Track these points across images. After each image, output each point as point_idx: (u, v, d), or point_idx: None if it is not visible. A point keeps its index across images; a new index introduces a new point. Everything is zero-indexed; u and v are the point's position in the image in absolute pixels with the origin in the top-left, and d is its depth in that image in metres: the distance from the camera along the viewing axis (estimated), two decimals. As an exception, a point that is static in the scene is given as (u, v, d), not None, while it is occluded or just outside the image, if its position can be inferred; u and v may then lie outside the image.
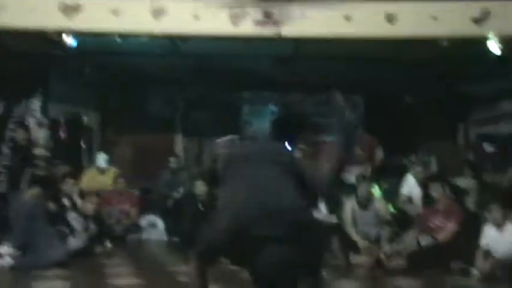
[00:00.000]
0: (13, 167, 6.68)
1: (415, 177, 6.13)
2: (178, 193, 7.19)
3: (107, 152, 7.94)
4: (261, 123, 10.16)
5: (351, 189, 6.56)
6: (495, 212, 4.72)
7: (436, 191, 5.48)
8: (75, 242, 5.12)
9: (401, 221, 5.67)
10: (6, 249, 4.71)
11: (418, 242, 5.10)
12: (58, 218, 5.29)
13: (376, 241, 5.44)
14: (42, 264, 4.61)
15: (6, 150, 6.92)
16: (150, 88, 9.61)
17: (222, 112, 10.10)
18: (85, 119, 8.59)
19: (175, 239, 6.47)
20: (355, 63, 7.92)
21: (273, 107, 10.30)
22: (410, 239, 5.18)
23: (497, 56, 5.40)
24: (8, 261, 4.64)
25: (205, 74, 8.81)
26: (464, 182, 6.34)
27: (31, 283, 4.09)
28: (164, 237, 6.86)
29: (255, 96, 10.31)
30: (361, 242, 5.42)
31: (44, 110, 7.95)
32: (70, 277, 4.37)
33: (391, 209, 5.98)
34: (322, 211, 6.39)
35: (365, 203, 5.73)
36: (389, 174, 7.25)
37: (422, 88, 8.87)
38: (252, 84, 9.60)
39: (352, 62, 7.72)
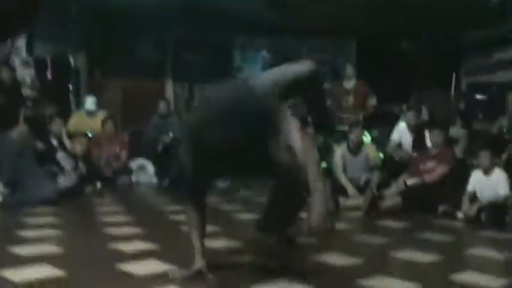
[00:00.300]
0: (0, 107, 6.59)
1: (407, 124, 6.15)
2: (168, 137, 7.15)
3: (95, 95, 7.83)
4: (253, 70, 10.06)
5: (342, 135, 6.59)
6: (483, 157, 4.77)
7: (431, 136, 5.48)
8: (64, 181, 5.12)
9: (391, 167, 5.72)
10: (-5, 186, 4.70)
11: (406, 184, 5.16)
12: (47, 157, 5.26)
13: (365, 186, 5.49)
14: (32, 201, 4.61)
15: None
16: (140, 30, 9.41)
17: (213, 57, 9.97)
18: (72, 60, 8.42)
19: (165, 182, 6.49)
20: (348, 7, 7.79)
21: (265, 54, 10.19)
22: (399, 184, 5.23)
23: (493, 2, 5.31)
24: (-3, 198, 4.64)
25: (197, 17, 8.62)
26: (454, 131, 6.37)
27: (22, 219, 4.09)
28: (154, 180, 6.88)
29: (247, 41, 10.16)
30: (350, 188, 5.47)
31: (30, 50, 7.79)
32: (61, 214, 4.38)
33: (381, 155, 6.02)
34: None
35: (355, 149, 5.76)
36: (380, 122, 7.28)
37: (415, 34, 8.78)
38: (244, 29, 9.44)
39: (345, 5, 7.58)
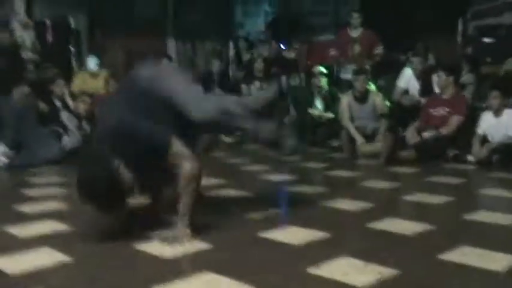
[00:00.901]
0: (1, 70, 6.51)
1: (413, 70, 6.00)
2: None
3: (97, 55, 7.71)
4: (255, 24, 9.87)
5: (347, 84, 6.48)
6: (493, 98, 4.66)
7: (438, 81, 5.30)
8: (69, 141, 5.07)
9: (399, 113, 5.62)
10: (1, 148, 4.67)
11: (420, 134, 5.02)
12: (51, 118, 5.20)
13: (373, 134, 5.42)
14: (37, 162, 4.60)
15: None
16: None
17: (214, 14, 9.77)
18: (72, 21, 8.27)
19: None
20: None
21: (266, 7, 9.96)
22: (410, 133, 5.11)
23: None
24: (2, 160, 4.62)
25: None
26: (463, 75, 6.21)
27: (27, 179, 4.08)
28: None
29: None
30: (357, 136, 5.40)
31: (29, 13, 7.66)
32: (65, 173, 4.36)
33: (388, 103, 5.91)
34: (318, 107, 6.36)
35: (361, 97, 5.65)
36: (386, 70, 7.13)
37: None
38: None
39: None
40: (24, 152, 4.74)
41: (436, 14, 8.34)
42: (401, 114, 5.66)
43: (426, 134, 5.03)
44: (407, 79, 6.00)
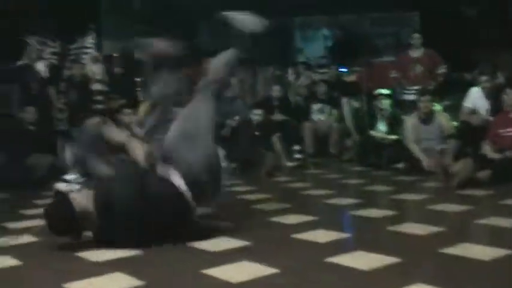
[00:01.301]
0: (72, 103, 6.86)
1: (481, 89, 5.79)
2: (234, 121, 7.15)
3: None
4: (314, 49, 9.91)
5: (411, 106, 6.34)
6: None
7: (507, 99, 5.03)
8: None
9: (467, 134, 5.42)
10: (71, 176, 4.87)
11: (486, 156, 4.79)
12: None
13: (441, 155, 5.25)
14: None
15: (64, 88, 7.10)
16: (200, 19, 9.48)
17: (274, 40, 9.89)
18: (138, 53, 8.60)
19: (234, 164, 6.49)
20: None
21: (325, 31, 9.99)
22: (479, 152, 4.90)
23: None
24: (75, 187, 4.81)
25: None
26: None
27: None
28: (224, 164, 6.89)
29: (307, 20, 10.00)
30: (424, 158, 5.25)
31: (98, 46, 8.05)
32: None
33: (454, 124, 5.74)
34: (381, 130, 6.24)
35: (426, 118, 5.52)
36: (451, 90, 6.95)
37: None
38: (302, 7, 9.29)
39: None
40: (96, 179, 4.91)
41: (502, 31, 8.09)
42: (471, 134, 5.46)
43: (493, 155, 4.79)
44: (474, 98, 5.80)
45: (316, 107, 7.34)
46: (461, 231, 3.12)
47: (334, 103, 7.53)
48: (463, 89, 6.61)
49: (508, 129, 4.86)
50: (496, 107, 5.55)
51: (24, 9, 7.29)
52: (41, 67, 6.96)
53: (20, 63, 6.96)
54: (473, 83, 6.32)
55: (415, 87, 6.63)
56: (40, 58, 7.19)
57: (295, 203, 4.00)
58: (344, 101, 7.63)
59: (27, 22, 7.53)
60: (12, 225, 3.51)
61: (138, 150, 2.94)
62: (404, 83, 6.97)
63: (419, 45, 6.87)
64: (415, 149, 5.37)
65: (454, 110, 6.28)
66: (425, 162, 5.20)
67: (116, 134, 2.84)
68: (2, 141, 6.22)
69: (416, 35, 6.96)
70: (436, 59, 6.81)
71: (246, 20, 3.10)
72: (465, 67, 7.76)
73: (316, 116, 7.36)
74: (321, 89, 7.41)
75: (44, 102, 6.63)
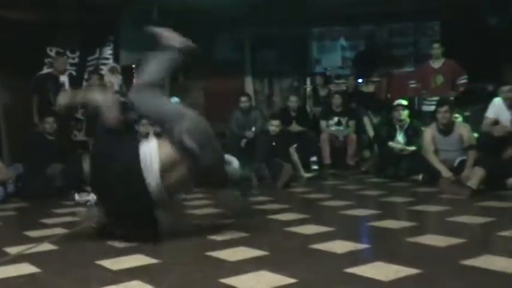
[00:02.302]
0: (91, 114, 6.92)
1: (503, 99, 5.70)
2: (251, 132, 7.16)
3: (179, 97, 8.02)
4: (331, 60, 9.89)
5: (430, 116, 6.29)
6: None
7: None
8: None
9: (489, 145, 5.34)
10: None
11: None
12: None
13: (460, 167, 5.19)
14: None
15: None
16: (218, 30, 9.55)
17: (290, 51, 9.91)
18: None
19: (251, 174, 6.48)
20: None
21: (343, 42, 9.97)
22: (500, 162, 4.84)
23: None
24: (94, 197, 4.84)
25: (271, 12, 8.61)
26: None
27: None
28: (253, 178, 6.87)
29: (324, 31, 10.00)
30: (443, 169, 5.19)
31: (116, 57, 8.14)
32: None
33: (476, 135, 5.67)
34: (400, 141, 6.19)
35: (446, 129, 5.46)
36: (472, 101, 6.89)
37: (503, 8, 8.22)
38: (320, 18, 9.30)
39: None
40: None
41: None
42: (492, 144, 5.38)
43: None
44: (497, 109, 5.70)
45: (332, 121, 7.32)
46: (482, 243, 3.07)
47: (352, 114, 7.50)
48: (485, 99, 6.54)
49: None
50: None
51: (45, 20, 7.41)
52: (64, 78, 7.05)
53: (42, 72, 7.06)
54: (495, 94, 6.24)
55: (436, 98, 6.58)
56: (66, 70, 7.27)
57: (313, 214, 3.97)
58: (365, 116, 7.60)
59: (48, 33, 7.64)
60: (32, 233, 3.54)
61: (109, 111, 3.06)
62: (425, 94, 6.92)
63: (439, 55, 6.83)
64: (435, 160, 5.31)
65: (476, 121, 6.20)
66: (444, 173, 5.14)
67: (96, 95, 3.05)
68: (23, 151, 6.31)
69: (436, 45, 6.92)
70: (457, 69, 6.76)
71: (171, 38, 3.28)
72: (486, 77, 7.68)
73: (333, 128, 7.34)
74: (337, 101, 7.39)
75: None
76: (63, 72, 6.97)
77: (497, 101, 5.75)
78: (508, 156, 4.75)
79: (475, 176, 4.57)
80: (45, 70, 7.13)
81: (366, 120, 7.59)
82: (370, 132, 7.46)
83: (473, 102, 6.82)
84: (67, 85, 7.10)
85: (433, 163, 5.31)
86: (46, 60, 7.30)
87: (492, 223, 3.50)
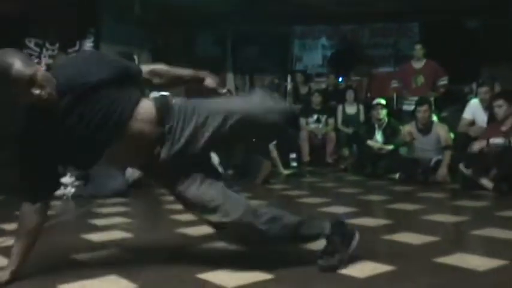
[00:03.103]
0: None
1: (480, 100, 5.80)
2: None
3: (159, 91, 7.97)
4: (312, 58, 9.94)
5: (409, 116, 6.37)
6: None
7: (495, 108, 4.97)
8: (132, 173, 5.22)
9: (465, 145, 5.43)
10: (68, 179, 4.86)
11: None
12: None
13: (436, 166, 5.27)
14: (103, 193, 4.75)
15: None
16: (200, 26, 9.51)
17: (272, 48, 9.93)
18: (136, 58, 8.61)
19: (229, 171, 6.49)
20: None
21: (324, 41, 10.03)
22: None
23: None
24: (70, 190, 4.81)
25: (253, 9, 8.61)
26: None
27: (94, 209, 4.21)
28: (219, 170, 6.90)
29: (306, 29, 10.04)
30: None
31: (97, 50, 8.05)
32: (129, 203, 4.49)
33: (452, 135, 5.76)
34: (378, 140, 6.26)
35: (424, 128, 5.54)
36: (450, 102, 7.00)
37: (482, 12, 8.36)
38: (302, 17, 9.33)
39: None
40: (91, 183, 4.91)
41: (502, 42, 8.13)
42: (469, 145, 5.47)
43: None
44: (474, 110, 5.81)
45: (311, 118, 7.37)
46: (456, 241, 3.12)
47: (331, 112, 7.55)
48: (461, 101, 6.65)
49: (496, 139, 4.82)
50: (494, 119, 5.57)
51: (24, 12, 7.29)
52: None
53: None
54: (473, 95, 6.36)
55: (416, 98, 6.66)
56: (38, 60, 7.19)
57: (291, 210, 3.95)
58: (339, 108, 7.67)
59: (27, 25, 7.53)
60: (7, 226, 3.49)
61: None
62: (406, 94, 7.00)
63: (421, 56, 6.92)
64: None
65: (452, 121, 6.31)
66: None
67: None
68: (-2, 144, 6.22)
69: (419, 46, 7.02)
70: (438, 70, 6.86)
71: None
72: (463, 79, 7.81)
73: (313, 126, 7.38)
74: (316, 99, 7.44)
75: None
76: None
77: (474, 102, 5.86)
78: (477, 149, 4.79)
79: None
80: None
81: (339, 114, 7.61)
82: (341, 125, 7.48)
83: (450, 103, 6.93)
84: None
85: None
86: (25, 52, 7.18)
87: (466, 222, 3.57)
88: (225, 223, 2.26)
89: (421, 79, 6.81)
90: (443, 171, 5.24)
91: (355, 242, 2.44)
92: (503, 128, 4.84)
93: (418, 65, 6.91)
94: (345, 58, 9.06)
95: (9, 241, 2.97)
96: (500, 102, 4.87)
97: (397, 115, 6.81)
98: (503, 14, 8.10)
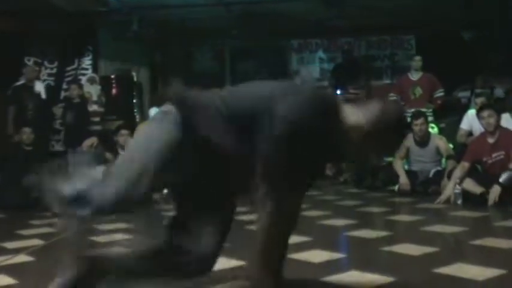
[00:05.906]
0: (69, 124, 6.87)
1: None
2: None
3: (158, 106, 8.01)
4: (310, 71, 10.00)
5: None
6: None
7: (484, 118, 4.85)
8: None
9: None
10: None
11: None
12: (115, 167, 5.41)
13: (435, 178, 5.28)
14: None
15: (62, 109, 7.13)
16: (198, 41, 9.59)
17: (270, 62, 9.99)
18: (135, 75, 8.68)
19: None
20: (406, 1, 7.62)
21: (321, 54, 10.10)
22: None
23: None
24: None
25: (251, 24, 8.68)
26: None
27: (94, 226, 4.22)
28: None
29: (303, 43, 10.12)
30: (402, 176, 5.40)
31: (95, 68, 8.12)
32: (129, 220, 4.49)
33: (451, 145, 5.79)
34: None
35: (421, 140, 5.56)
36: (448, 113, 7.04)
37: (479, 23, 8.45)
38: (299, 30, 9.41)
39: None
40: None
41: (498, 56, 8.22)
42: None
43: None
44: (471, 121, 5.85)
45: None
46: (455, 251, 3.13)
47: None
48: (459, 112, 6.69)
49: (494, 155, 4.79)
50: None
51: (23, 30, 7.37)
52: (39, 88, 7.01)
53: (18, 83, 7.00)
54: (468, 106, 6.40)
55: (413, 110, 6.70)
56: (38, 79, 7.24)
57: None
58: None
59: (26, 43, 7.61)
60: (9, 245, 3.50)
61: None
62: (405, 106, 7.03)
63: (419, 68, 6.97)
64: (399, 166, 5.43)
65: (450, 132, 6.34)
66: (402, 180, 5.27)
67: None
68: (-1, 162, 6.25)
69: (418, 58, 7.08)
70: (435, 82, 6.91)
71: None
72: (461, 90, 7.88)
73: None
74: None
75: (40, 123, 6.66)
76: (33, 80, 6.94)
77: (471, 113, 5.89)
78: None
79: (493, 193, 4.54)
80: (21, 81, 7.07)
81: None
82: None
83: (448, 114, 6.97)
84: (43, 95, 7.07)
85: (396, 169, 5.42)
86: (24, 70, 7.24)
87: (465, 232, 3.58)
88: None
89: (419, 90, 6.85)
90: (446, 181, 5.24)
91: None
92: (491, 141, 4.82)
93: (415, 76, 6.95)
94: (349, 70, 9.08)
95: (10, 259, 2.99)
96: (490, 112, 4.82)
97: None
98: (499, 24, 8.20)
